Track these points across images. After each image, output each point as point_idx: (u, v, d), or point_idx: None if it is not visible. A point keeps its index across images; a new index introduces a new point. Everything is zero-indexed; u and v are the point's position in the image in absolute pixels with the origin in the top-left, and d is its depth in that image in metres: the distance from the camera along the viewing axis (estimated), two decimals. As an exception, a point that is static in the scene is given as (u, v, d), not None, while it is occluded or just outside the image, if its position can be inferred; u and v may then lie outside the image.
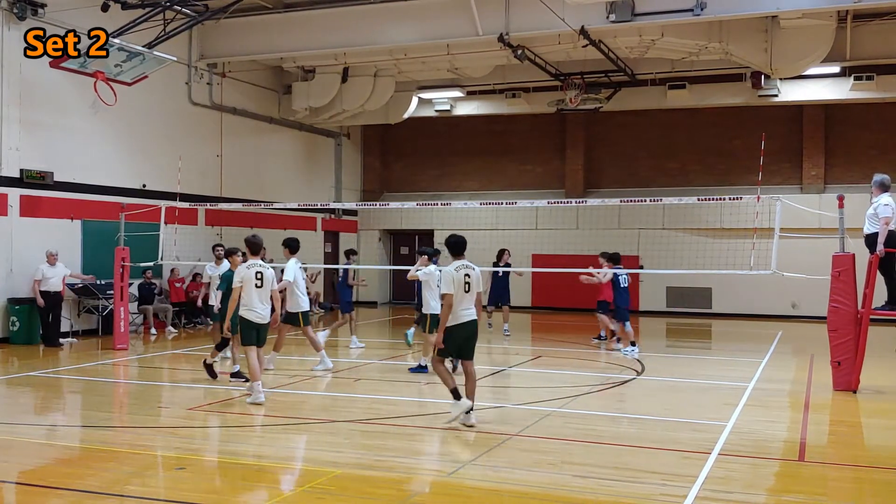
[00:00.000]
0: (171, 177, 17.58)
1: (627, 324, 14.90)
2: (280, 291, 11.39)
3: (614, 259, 15.26)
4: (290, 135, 24.27)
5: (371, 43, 18.75)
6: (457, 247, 8.80)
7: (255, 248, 10.39)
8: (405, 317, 19.04)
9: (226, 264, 12.64)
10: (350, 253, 16.16)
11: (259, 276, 10.10)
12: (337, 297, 15.75)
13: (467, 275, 8.59)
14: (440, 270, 13.05)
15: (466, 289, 8.55)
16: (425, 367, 12.40)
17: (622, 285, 14.88)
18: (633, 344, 14.79)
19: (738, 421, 9.15)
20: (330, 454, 7.61)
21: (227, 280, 11.26)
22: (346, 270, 15.60)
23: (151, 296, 18.14)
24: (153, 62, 15.45)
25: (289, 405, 10.16)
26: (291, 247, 12.82)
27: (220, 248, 14.15)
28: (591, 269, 15.47)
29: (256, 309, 10.08)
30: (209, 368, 11.50)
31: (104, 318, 16.80)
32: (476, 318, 8.67)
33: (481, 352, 12.69)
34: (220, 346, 11.68)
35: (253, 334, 10.13)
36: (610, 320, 15.61)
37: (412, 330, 15.36)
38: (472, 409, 8.57)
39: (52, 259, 15.54)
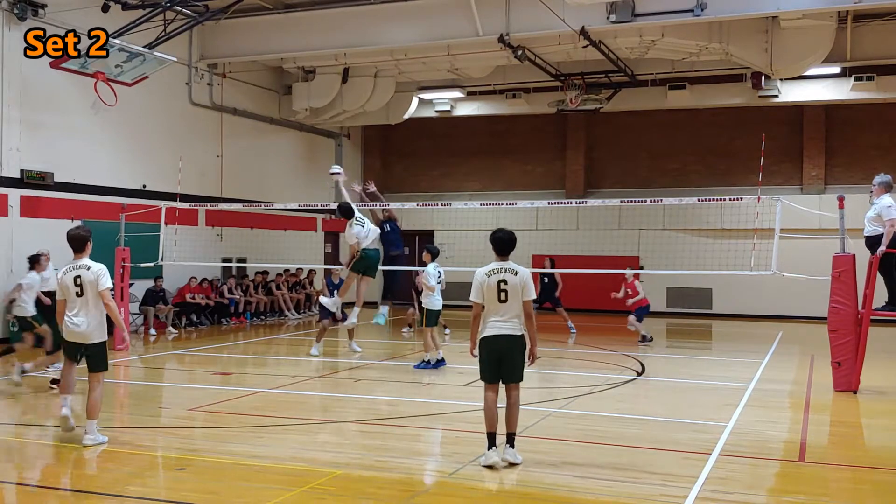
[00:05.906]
0: (172, 177, 17.57)
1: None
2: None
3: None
4: (291, 135, 24.26)
5: (371, 43, 18.75)
6: (499, 244, 7.58)
7: (78, 243, 8.08)
8: (404, 318, 19.03)
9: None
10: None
11: (78, 281, 8.09)
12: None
13: (503, 280, 7.33)
14: (440, 270, 13.79)
15: (502, 297, 7.30)
16: (429, 362, 12.99)
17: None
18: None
19: (738, 421, 9.15)
20: (330, 454, 7.61)
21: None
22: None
23: (155, 299, 18.10)
24: (153, 63, 15.45)
25: (289, 405, 10.15)
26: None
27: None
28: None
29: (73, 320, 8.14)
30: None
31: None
32: (514, 332, 7.26)
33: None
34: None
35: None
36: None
37: (386, 308, 14.94)
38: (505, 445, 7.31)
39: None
